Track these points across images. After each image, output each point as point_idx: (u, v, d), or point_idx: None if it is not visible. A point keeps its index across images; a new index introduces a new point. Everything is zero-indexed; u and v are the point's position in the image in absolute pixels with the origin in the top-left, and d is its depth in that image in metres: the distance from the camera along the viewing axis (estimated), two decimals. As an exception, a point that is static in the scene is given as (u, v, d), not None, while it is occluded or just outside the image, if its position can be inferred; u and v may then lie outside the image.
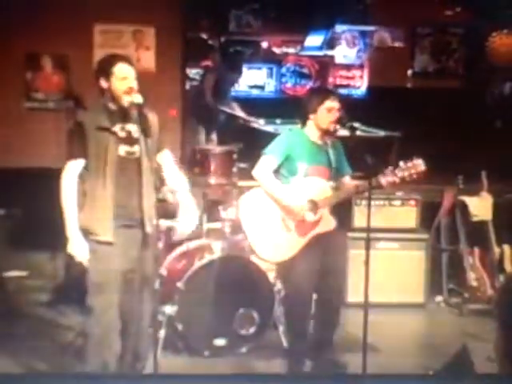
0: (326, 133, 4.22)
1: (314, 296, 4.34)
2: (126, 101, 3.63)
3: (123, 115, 3.69)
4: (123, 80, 3.64)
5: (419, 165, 4.03)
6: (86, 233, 3.64)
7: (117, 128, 3.67)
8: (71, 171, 3.64)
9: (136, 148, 3.69)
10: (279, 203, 4.14)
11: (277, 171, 4.21)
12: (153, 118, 3.78)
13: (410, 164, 4.03)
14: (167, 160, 3.90)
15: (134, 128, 3.68)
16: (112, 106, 3.69)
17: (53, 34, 6.31)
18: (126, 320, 3.77)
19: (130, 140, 3.68)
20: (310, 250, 4.14)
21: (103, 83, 3.67)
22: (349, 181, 4.29)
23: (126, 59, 3.75)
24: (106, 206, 3.63)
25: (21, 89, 6.50)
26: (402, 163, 4.05)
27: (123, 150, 3.67)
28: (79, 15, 6.35)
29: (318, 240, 4.16)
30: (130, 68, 3.69)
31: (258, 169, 4.19)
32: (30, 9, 6.26)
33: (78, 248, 3.63)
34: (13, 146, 6.39)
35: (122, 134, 3.67)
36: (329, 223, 4.19)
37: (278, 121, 7.73)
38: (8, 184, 6.01)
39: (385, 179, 4.04)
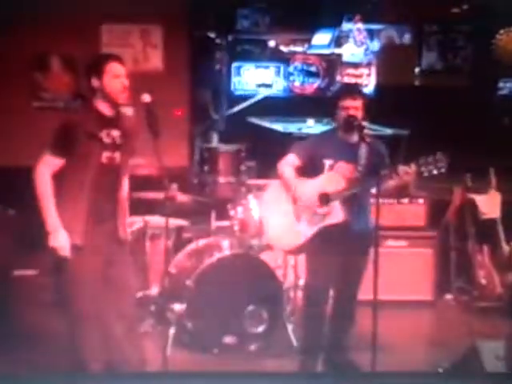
0: (344, 130, 4.22)
1: (331, 293, 4.34)
2: (120, 98, 3.61)
3: (110, 119, 3.67)
4: (116, 78, 3.62)
5: (443, 159, 3.98)
6: None
7: (103, 134, 3.64)
8: (46, 165, 3.60)
9: (116, 154, 3.67)
10: (291, 194, 4.21)
11: (303, 170, 4.25)
12: (134, 124, 3.76)
13: (430, 159, 4.00)
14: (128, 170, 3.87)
15: (117, 133, 3.67)
16: (102, 108, 3.66)
17: (61, 34, 6.33)
18: (108, 320, 3.73)
19: (113, 146, 3.66)
20: (323, 243, 4.15)
21: (95, 82, 3.64)
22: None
23: (117, 58, 3.73)
24: (80, 210, 3.60)
25: (29, 89, 6.53)
26: (427, 158, 3.99)
27: (105, 156, 3.65)
28: (87, 15, 6.37)
29: (329, 232, 4.16)
30: (122, 67, 3.68)
31: (281, 162, 4.29)
32: (38, 9, 6.28)
33: (59, 241, 3.57)
34: (21, 145, 6.41)
35: (108, 140, 3.65)
36: (338, 216, 4.20)
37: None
38: (17, 183, 6.03)
39: (404, 169, 4.01)
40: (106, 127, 3.65)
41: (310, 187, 4.17)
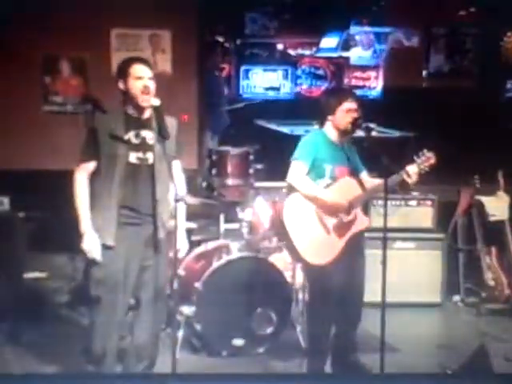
0: (344, 133, 4.24)
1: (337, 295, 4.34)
2: (142, 99, 3.66)
3: (139, 121, 3.72)
4: (138, 79, 3.68)
5: (431, 157, 4.13)
6: None
7: (131, 135, 3.69)
8: (82, 170, 3.72)
9: (149, 155, 3.71)
10: (322, 205, 4.11)
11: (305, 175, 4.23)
12: (171, 123, 3.80)
13: (424, 157, 4.12)
14: (176, 173, 3.85)
15: (149, 134, 3.72)
16: (130, 110, 3.73)
17: (71, 38, 6.37)
18: (133, 320, 3.82)
19: (143, 147, 3.71)
20: (346, 251, 4.16)
21: (121, 85, 3.73)
22: (367, 178, 4.30)
23: (142, 60, 3.81)
24: (111, 211, 3.66)
25: (39, 92, 6.57)
26: (418, 158, 4.12)
27: (135, 156, 3.70)
28: (97, 19, 6.41)
29: (353, 240, 4.18)
30: (146, 69, 3.73)
31: (292, 175, 4.15)
32: (48, 13, 6.33)
33: (91, 244, 3.67)
34: (32, 148, 6.46)
35: (136, 141, 3.70)
36: (363, 222, 4.21)
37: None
38: (27, 186, 6.08)
39: (411, 169, 4.09)
40: (135, 128, 3.70)
41: (331, 196, 4.12)
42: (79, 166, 3.73)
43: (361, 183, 4.21)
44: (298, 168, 4.15)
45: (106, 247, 3.69)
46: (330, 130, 4.25)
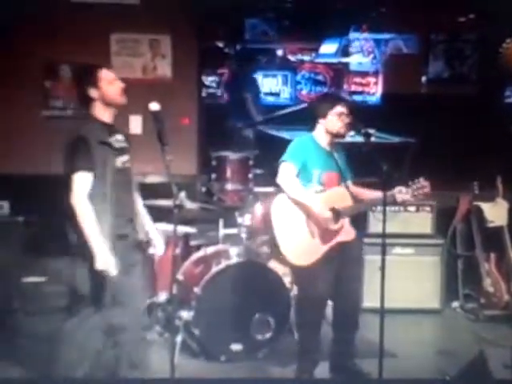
0: (335, 137, 4.26)
1: (331, 303, 4.36)
2: (122, 100, 3.70)
3: (111, 125, 3.74)
4: (114, 82, 3.71)
5: (426, 186, 4.19)
6: None
7: (112, 140, 3.71)
8: (82, 186, 3.59)
9: (126, 158, 3.75)
10: (306, 210, 4.14)
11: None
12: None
13: (419, 185, 4.18)
14: None
15: (122, 138, 3.77)
16: (103, 116, 3.71)
17: (71, 44, 6.37)
18: (119, 326, 3.78)
19: (122, 151, 3.74)
20: (328, 258, 4.16)
21: (93, 92, 3.70)
22: (355, 188, 4.32)
23: (104, 65, 3.83)
24: (106, 220, 3.63)
25: (39, 97, 6.57)
26: (413, 185, 4.19)
27: (120, 161, 3.72)
28: (96, 24, 6.42)
29: (337, 249, 4.18)
30: (111, 72, 3.77)
31: (281, 176, 4.17)
32: (48, 19, 6.34)
33: (106, 263, 3.58)
34: (32, 153, 6.46)
35: (117, 146, 3.73)
36: (350, 233, 4.23)
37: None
38: (26, 191, 6.08)
39: (400, 197, 4.18)
40: (112, 133, 3.72)
41: (321, 202, 4.14)
42: (76, 181, 3.58)
43: (353, 195, 4.23)
44: (287, 169, 4.17)
45: None
46: (320, 135, 4.27)
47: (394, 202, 4.24)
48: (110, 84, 3.70)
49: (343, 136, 4.25)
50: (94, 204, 3.60)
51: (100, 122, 3.72)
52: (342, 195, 4.20)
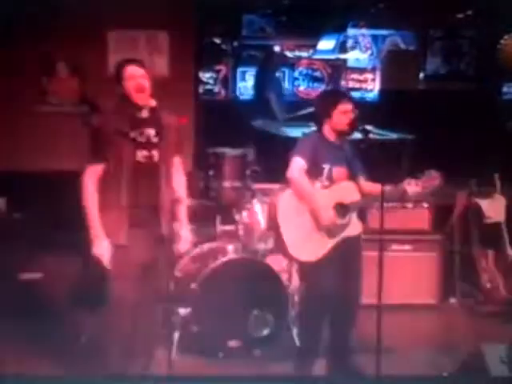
0: (342, 134, 4.24)
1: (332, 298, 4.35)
2: (137, 97, 3.69)
3: (141, 119, 3.74)
4: (132, 79, 3.72)
5: (437, 177, 4.11)
6: None
7: (136, 133, 3.72)
8: (91, 174, 3.72)
9: (154, 152, 3.75)
10: (311, 206, 4.13)
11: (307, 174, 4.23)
12: (172, 121, 3.84)
13: (430, 176, 4.11)
14: (176, 169, 3.93)
15: (152, 132, 3.75)
16: (130, 110, 3.74)
17: (68, 40, 6.38)
18: (135, 318, 3.79)
19: (148, 145, 3.74)
20: (335, 253, 4.15)
21: (118, 89, 3.76)
22: (364, 182, 4.29)
23: (135, 61, 3.85)
24: (121, 212, 3.68)
25: (36, 94, 6.57)
26: (423, 176, 4.12)
27: (141, 155, 3.73)
28: (93, 21, 6.42)
29: (344, 243, 4.17)
30: (139, 68, 3.77)
31: (292, 170, 4.15)
32: (45, 15, 6.33)
33: (102, 249, 3.68)
34: (28, 149, 6.46)
35: (141, 139, 3.73)
36: (356, 227, 4.21)
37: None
38: (24, 188, 6.08)
39: (411, 189, 4.11)
40: (138, 127, 3.72)
41: (328, 197, 4.12)
42: (88, 169, 3.72)
43: (360, 188, 4.20)
44: (297, 164, 4.15)
45: (118, 247, 3.69)
46: (328, 132, 4.25)
47: (403, 196, 4.16)
48: (127, 81, 3.73)
49: (349, 133, 4.22)
50: (109, 191, 3.68)
51: (128, 114, 3.74)
52: (348, 189, 4.18)
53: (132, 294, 3.71)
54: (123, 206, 3.69)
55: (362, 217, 5.41)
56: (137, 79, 3.72)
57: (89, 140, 3.75)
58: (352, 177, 4.25)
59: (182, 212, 3.93)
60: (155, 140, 3.75)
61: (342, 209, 4.12)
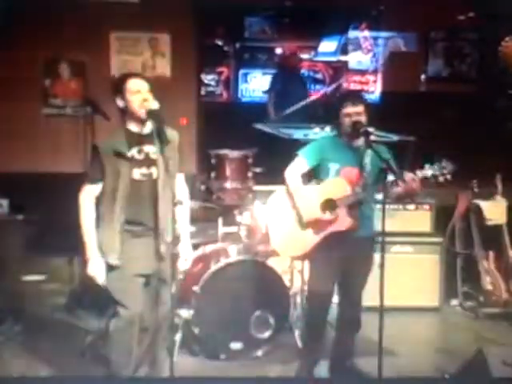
0: (348, 136, 4.22)
1: (337, 299, 4.35)
2: (141, 112, 3.65)
3: (141, 136, 3.71)
4: (137, 93, 3.66)
5: (448, 166, 4.06)
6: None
7: (134, 151, 3.68)
8: (88, 193, 3.69)
9: (153, 169, 3.71)
10: (293, 202, 4.18)
11: (311, 174, 4.25)
12: (173, 136, 3.80)
13: (443, 164, 4.06)
14: (179, 185, 3.89)
15: (152, 149, 3.71)
16: (131, 126, 3.71)
17: (70, 42, 6.40)
18: (144, 328, 3.81)
19: (147, 162, 3.70)
20: (327, 249, 4.16)
21: (120, 103, 3.70)
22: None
23: (137, 75, 3.81)
24: (114, 230, 3.66)
25: (39, 95, 6.59)
26: (435, 165, 4.06)
27: (138, 172, 3.69)
28: (96, 23, 6.43)
29: (334, 238, 4.16)
30: (143, 82, 3.72)
31: (288, 168, 4.23)
32: (48, 17, 6.35)
33: (96, 270, 3.68)
34: (30, 151, 6.48)
35: (140, 157, 3.70)
36: (344, 222, 4.20)
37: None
38: (26, 189, 6.08)
39: (420, 173, 4.04)
40: (137, 144, 3.69)
41: (316, 193, 4.16)
42: (85, 188, 3.68)
43: (357, 185, 4.18)
44: (296, 163, 4.22)
45: (110, 265, 3.69)
46: (340, 133, 4.28)
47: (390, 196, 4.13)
48: (132, 95, 3.67)
49: (353, 135, 4.20)
50: (101, 209, 3.67)
51: (127, 131, 3.71)
52: (339, 185, 4.18)
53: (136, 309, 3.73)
54: (121, 224, 3.66)
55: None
56: (142, 93, 3.67)
57: (90, 159, 3.72)
58: (367, 177, 4.21)
59: (184, 228, 3.89)
60: (154, 157, 3.71)
61: (330, 204, 4.13)
